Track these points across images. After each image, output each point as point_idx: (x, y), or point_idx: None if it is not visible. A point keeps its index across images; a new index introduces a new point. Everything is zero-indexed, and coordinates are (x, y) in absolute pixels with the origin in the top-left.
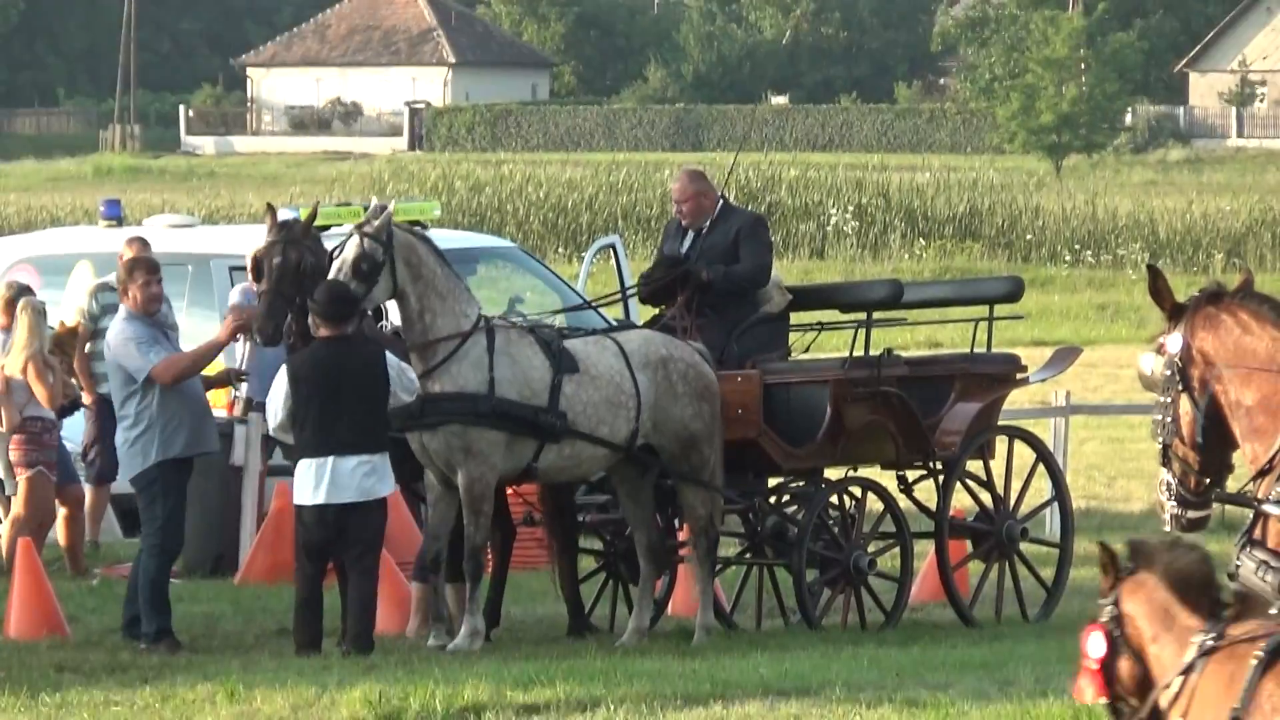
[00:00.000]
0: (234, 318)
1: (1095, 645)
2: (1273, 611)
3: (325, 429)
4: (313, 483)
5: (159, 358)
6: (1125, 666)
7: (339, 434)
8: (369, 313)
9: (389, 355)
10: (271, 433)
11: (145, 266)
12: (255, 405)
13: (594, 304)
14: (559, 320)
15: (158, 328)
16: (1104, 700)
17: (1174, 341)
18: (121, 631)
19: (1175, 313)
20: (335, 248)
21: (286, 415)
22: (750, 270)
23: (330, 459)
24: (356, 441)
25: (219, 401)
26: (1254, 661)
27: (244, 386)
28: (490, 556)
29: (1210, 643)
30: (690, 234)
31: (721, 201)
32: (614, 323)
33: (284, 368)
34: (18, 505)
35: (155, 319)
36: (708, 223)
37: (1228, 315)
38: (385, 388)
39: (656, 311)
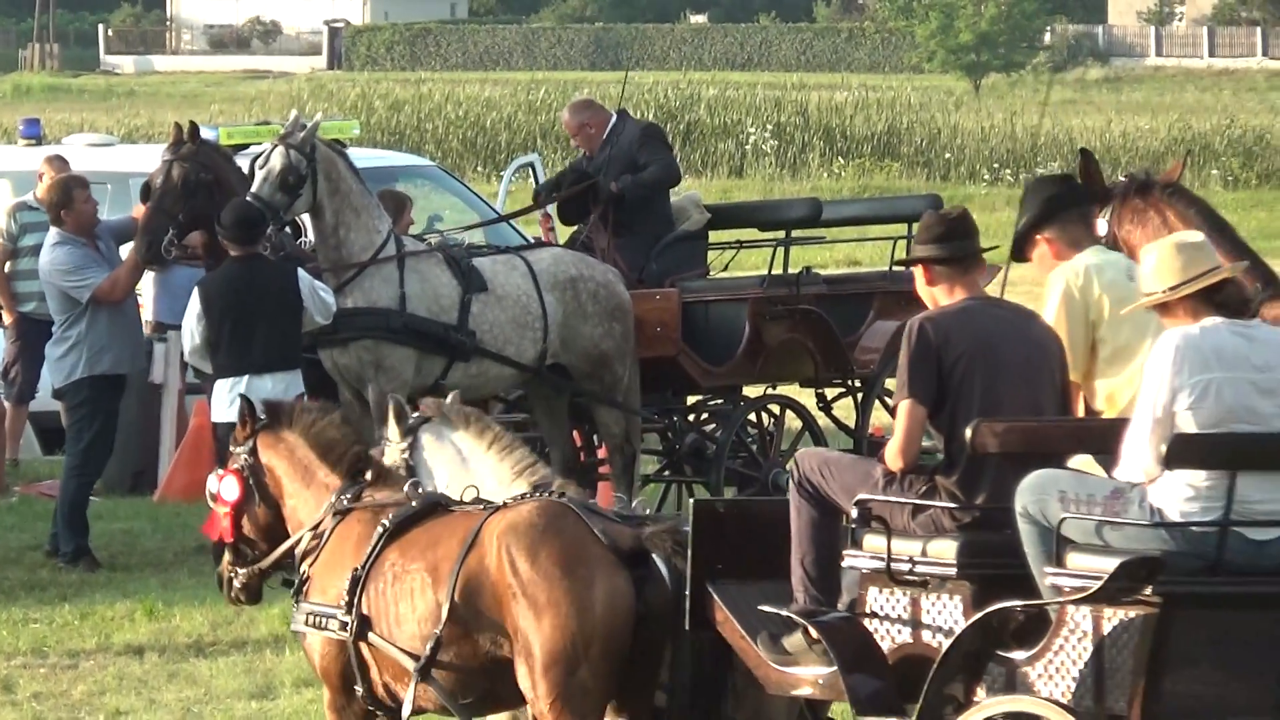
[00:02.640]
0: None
1: (230, 489)
2: (406, 487)
3: (239, 348)
4: (227, 401)
5: (97, 279)
6: (260, 513)
7: (253, 353)
8: (286, 228)
9: (304, 274)
10: (186, 358)
11: (80, 183)
12: (158, 326)
13: (507, 218)
14: (476, 237)
15: (91, 244)
16: (229, 540)
17: (1099, 227)
18: (48, 549)
19: (1103, 197)
20: (256, 158)
21: (201, 339)
22: (657, 173)
23: (245, 378)
24: (271, 360)
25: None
26: (380, 529)
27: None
28: None
29: (345, 503)
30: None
31: (615, 118)
32: (531, 240)
33: (196, 290)
34: None
35: (89, 235)
36: (605, 139)
37: (1155, 212)
38: (298, 306)
39: (573, 230)
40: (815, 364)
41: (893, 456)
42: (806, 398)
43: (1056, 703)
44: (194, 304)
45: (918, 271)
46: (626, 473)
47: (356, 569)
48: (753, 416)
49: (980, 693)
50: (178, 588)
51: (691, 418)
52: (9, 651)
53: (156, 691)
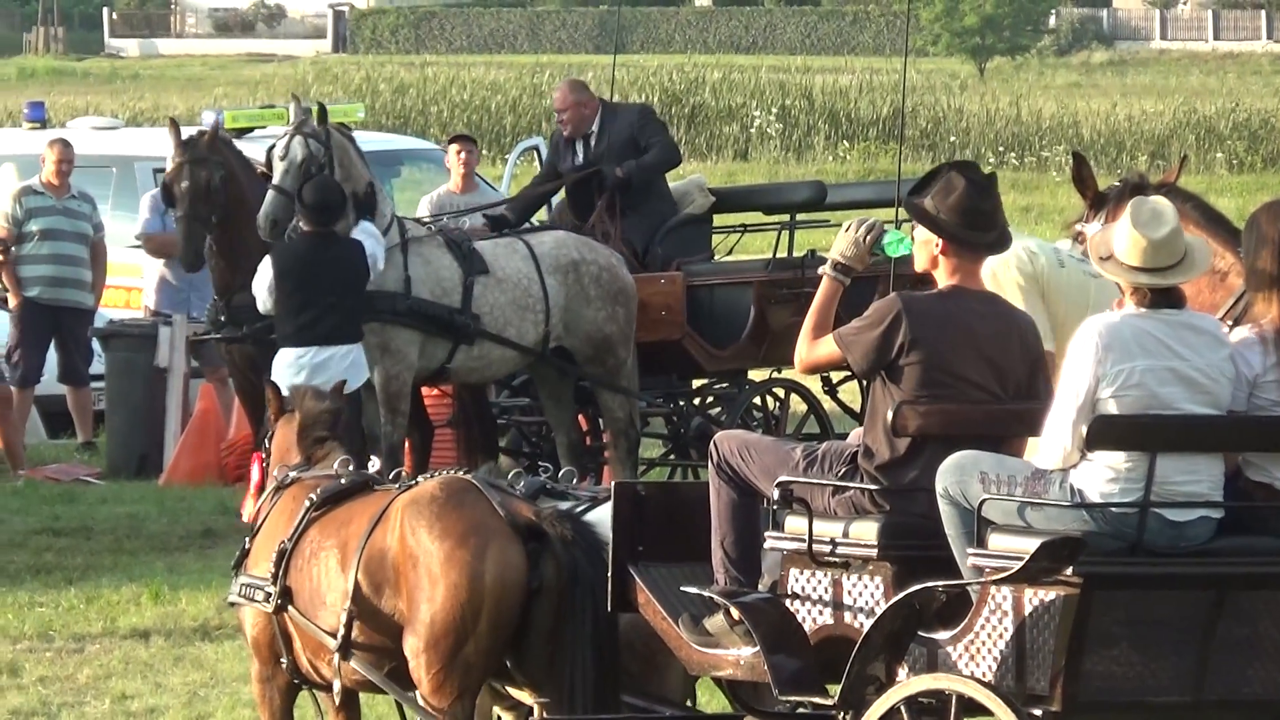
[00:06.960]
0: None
1: (255, 471)
2: (336, 464)
3: (307, 320)
4: (293, 371)
5: None
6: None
7: (319, 326)
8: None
9: (368, 247)
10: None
11: None
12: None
13: (504, 202)
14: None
15: None
16: (250, 521)
17: (1094, 230)
18: None
19: (1097, 201)
20: (272, 148)
21: (271, 305)
22: (659, 155)
23: (311, 349)
24: (335, 333)
25: (136, 304)
26: (306, 504)
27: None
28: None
29: (289, 478)
30: (579, 145)
31: (602, 106)
32: (537, 224)
33: (269, 259)
34: None
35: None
36: (595, 129)
37: None
38: (364, 280)
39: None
40: None
41: (797, 357)
42: (812, 381)
43: (979, 681)
44: (266, 271)
45: (931, 234)
46: (630, 456)
47: (284, 542)
48: (758, 400)
49: (902, 672)
50: (183, 571)
51: (697, 401)
52: (14, 635)
53: (162, 675)
